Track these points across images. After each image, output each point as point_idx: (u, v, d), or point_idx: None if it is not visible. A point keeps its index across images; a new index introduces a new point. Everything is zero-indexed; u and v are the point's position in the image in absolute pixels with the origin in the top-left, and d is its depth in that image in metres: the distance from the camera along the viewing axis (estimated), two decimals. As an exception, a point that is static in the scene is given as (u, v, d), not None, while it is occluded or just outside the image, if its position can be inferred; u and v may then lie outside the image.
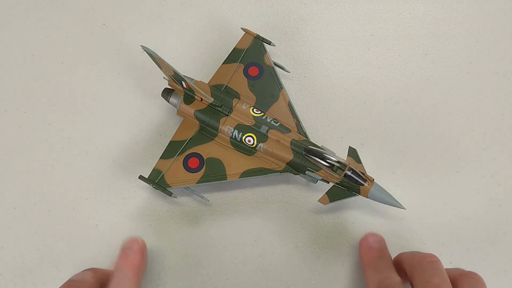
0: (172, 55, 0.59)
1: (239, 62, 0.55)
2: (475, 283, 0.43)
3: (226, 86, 0.55)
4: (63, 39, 0.59)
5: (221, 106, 0.52)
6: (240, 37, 0.57)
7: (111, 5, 0.61)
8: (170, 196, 0.51)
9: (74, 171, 0.55)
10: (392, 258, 0.50)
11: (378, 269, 0.47)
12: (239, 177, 0.51)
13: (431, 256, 0.44)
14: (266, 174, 0.51)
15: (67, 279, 0.45)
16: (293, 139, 0.51)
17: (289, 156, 0.51)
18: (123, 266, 0.48)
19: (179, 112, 0.54)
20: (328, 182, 0.50)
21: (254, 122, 0.52)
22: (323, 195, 0.50)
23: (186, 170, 0.52)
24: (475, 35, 0.60)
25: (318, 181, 0.51)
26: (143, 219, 0.53)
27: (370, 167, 0.51)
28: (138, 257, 0.49)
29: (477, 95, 0.58)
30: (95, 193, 0.54)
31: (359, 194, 0.49)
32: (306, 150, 0.50)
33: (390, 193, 0.49)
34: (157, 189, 0.52)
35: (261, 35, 0.57)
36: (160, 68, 0.52)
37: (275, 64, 0.56)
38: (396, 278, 0.44)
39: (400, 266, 0.47)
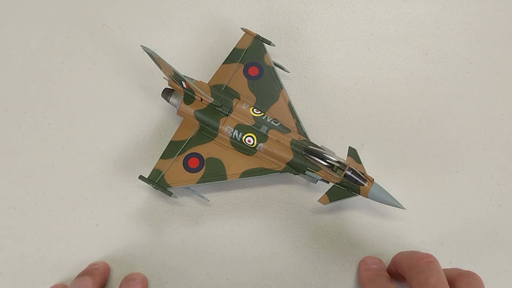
0: (172, 55, 0.59)
1: (239, 62, 0.55)
2: (473, 283, 0.43)
3: (226, 86, 0.55)
4: (63, 39, 0.59)
5: (221, 106, 0.52)
6: (240, 37, 0.57)
7: (111, 5, 0.61)
8: (170, 196, 0.51)
9: (74, 171, 0.55)
10: (391, 257, 0.50)
11: (375, 282, 0.47)
12: (239, 177, 0.51)
13: (429, 256, 0.44)
14: (266, 174, 0.51)
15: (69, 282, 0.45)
16: (293, 139, 0.51)
17: (289, 156, 0.51)
18: None
19: (179, 112, 0.54)
20: (328, 182, 0.50)
21: (254, 122, 0.52)
22: (323, 195, 0.50)
23: (186, 170, 0.51)
24: (475, 35, 0.60)
25: (318, 181, 0.51)
26: (143, 219, 0.53)
27: (370, 167, 0.51)
28: None
29: (477, 95, 0.58)
30: (95, 193, 0.54)
31: (359, 194, 0.49)
32: (306, 150, 0.50)
33: (390, 193, 0.49)
34: (157, 189, 0.52)
35: (261, 35, 0.57)
36: (160, 68, 0.52)
37: (275, 64, 0.56)
38: None
39: (398, 266, 0.47)
